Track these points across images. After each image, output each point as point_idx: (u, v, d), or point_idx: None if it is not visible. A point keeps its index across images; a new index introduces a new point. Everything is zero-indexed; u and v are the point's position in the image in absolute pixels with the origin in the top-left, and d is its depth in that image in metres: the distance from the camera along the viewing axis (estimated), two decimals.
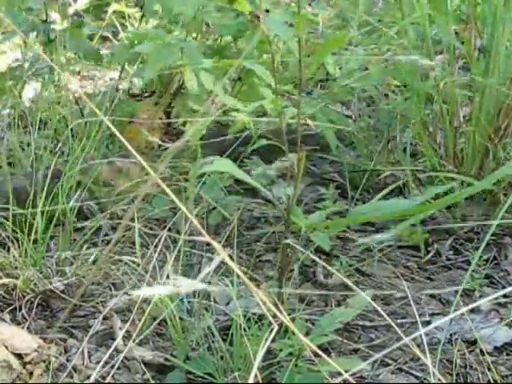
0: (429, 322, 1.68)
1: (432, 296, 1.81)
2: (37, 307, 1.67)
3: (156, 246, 1.61)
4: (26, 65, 2.39)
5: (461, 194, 1.75)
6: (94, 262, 1.76)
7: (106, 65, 2.61)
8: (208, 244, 1.73)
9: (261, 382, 1.02)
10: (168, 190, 0.94)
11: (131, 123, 2.20)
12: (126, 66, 2.56)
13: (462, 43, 2.19)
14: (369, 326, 1.68)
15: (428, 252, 1.97)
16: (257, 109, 1.73)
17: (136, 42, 2.24)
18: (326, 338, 1.45)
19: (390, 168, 2.12)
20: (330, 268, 1.43)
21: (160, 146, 2.09)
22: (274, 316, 0.91)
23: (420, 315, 1.69)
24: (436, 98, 2.10)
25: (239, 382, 1.44)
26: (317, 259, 1.39)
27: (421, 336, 1.45)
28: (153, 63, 2.03)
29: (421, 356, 1.22)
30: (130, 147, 0.83)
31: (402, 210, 1.58)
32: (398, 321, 1.68)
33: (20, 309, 1.66)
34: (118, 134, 0.82)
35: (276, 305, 1.34)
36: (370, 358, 1.55)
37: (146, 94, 2.57)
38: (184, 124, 2.14)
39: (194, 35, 2.33)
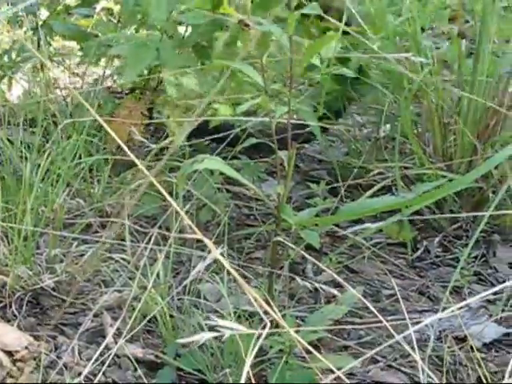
0: (418, 319, 1.69)
1: (421, 293, 1.82)
2: (27, 304, 1.67)
3: (147, 243, 1.61)
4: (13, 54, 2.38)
5: (447, 188, 1.76)
6: (84, 260, 1.76)
7: (93, 61, 2.61)
8: (198, 241, 1.73)
9: (252, 378, 1.02)
10: (160, 187, 0.94)
11: (112, 120, 2.18)
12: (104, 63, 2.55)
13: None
14: (358, 322, 1.68)
15: (417, 249, 1.98)
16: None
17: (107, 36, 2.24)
18: (317, 334, 1.45)
19: (378, 165, 2.13)
20: (320, 265, 1.43)
21: (142, 142, 2.09)
22: (265, 313, 0.92)
23: (409, 312, 1.70)
24: (424, 96, 2.11)
25: (230, 378, 1.44)
26: (307, 256, 1.39)
27: (410, 333, 1.45)
28: (132, 66, 2.03)
29: (411, 353, 1.23)
30: (123, 145, 0.83)
31: (390, 205, 1.59)
32: (388, 318, 1.68)
33: (10, 306, 1.66)
34: (112, 132, 0.82)
35: (267, 302, 1.35)
36: (359, 354, 1.56)
37: (127, 91, 2.56)
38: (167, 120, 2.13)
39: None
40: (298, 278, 1.48)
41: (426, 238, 2.01)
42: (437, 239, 2.01)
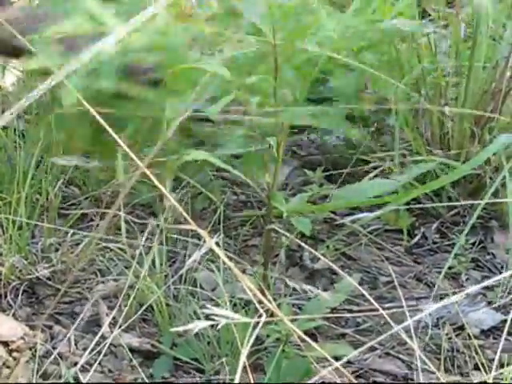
0: (416, 306, 1.69)
1: (419, 279, 1.82)
2: (22, 294, 1.66)
3: (142, 232, 1.61)
4: None
5: (448, 178, 1.75)
6: (79, 249, 1.75)
7: None
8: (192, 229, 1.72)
9: (248, 368, 1.02)
10: (152, 177, 0.93)
11: None
12: None
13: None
14: (356, 310, 1.68)
15: (414, 236, 1.97)
16: None
17: None
18: (313, 323, 1.45)
19: (373, 156, 2.11)
20: (315, 252, 1.43)
21: None
22: (260, 302, 0.91)
23: (407, 299, 1.69)
24: (421, 83, 2.10)
25: (226, 367, 1.44)
26: (302, 244, 1.38)
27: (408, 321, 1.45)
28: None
29: (408, 341, 1.23)
30: (117, 138, 0.82)
31: (387, 195, 1.58)
32: (385, 305, 1.68)
33: (5, 296, 1.65)
34: (105, 124, 0.81)
35: (261, 291, 1.34)
36: (357, 342, 1.56)
37: None
38: None
39: None
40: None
41: (423, 225, 2.00)
42: (434, 225, 2.00)
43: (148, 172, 0.87)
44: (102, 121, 0.86)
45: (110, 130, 0.87)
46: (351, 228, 1.87)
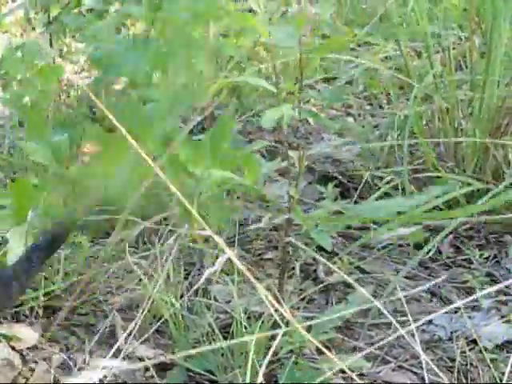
0: (430, 320, 1.69)
1: (433, 294, 1.82)
2: (39, 305, 1.67)
3: (159, 241, 1.62)
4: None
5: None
6: (95, 260, 1.77)
7: None
8: (207, 240, 1.73)
9: (262, 379, 1.03)
10: (170, 185, 0.94)
11: None
12: None
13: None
14: (369, 323, 1.68)
15: (429, 250, 1.97)
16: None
17: None
18: (327, 335, 1.45)
19: (386, 171, 2.12)
20: (330, 266, 1.44)
21: None
22: (275, 312, 0.92)
23: (421, 313, 1.69)
24: (435, 97, 2.11)
25: (240, 379, 1.44)
26: (317, 257, 1.39)
27: (416, 331, 1.45)
28: None
29: (421, 354, 1.23)
30: (134, 142, 0.84)
31: (408, 215, 1.59)
32: (399, 318, 1.68)
33: (22, 307, 1.67)
34: (122, 129, 0.83)
35: (277, 302, 1.35)
36: (370, 355, 1.56)
37: None
38: None
39: None
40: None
41: (437, 239, 2.00)
42: (448, 240, 2.00)
43: (168, 182, 0.88)
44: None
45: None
46: (365, 241, 1.88)
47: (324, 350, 0.97)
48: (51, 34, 2.28)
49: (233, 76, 1.87)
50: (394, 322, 1.16)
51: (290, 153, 1.51)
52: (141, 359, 1.53)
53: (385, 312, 1.16)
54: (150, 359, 1.54)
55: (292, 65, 2.16)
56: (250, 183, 1.47)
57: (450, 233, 2.02)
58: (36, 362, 1.51)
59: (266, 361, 0.89)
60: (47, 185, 1.46)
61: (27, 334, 1.56)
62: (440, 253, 1.98)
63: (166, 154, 1.28)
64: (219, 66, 1.98)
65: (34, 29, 2.45)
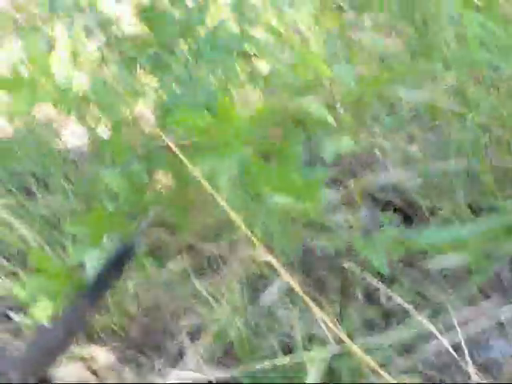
0: (489, 345, 1.71)
1: (491, 318, 1.84)
2: (112, 329, 1.74)
3: (224, 265, 1.67)
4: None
5: None
6: (163, 285, 1.83)
7: None
8: (271, 265, 1.79)
9: None
10: (233, 215, 1.00)
11: None
12: None
13: None
14: (427, 348, 1.71)
15: (487, 276, 1.99)
16: None
17: None
18: (385, 357, 1.50)
19: (448, 197, 2.14)
20: (389, 292, 1.48)
21: None
22: (335, 337, 0.98)
23: (480, 339, 1.72)
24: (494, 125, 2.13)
25: None
26: (375, 283, 1.44)
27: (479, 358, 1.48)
28: None
29: (477, 377, 1.26)
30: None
31: (467, 242, 1.62)
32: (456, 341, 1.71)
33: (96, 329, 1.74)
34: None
35: (337, 327, 1.40)
36: (427, 378, 1.59)
37: None
38: None
39: None
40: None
41: (496, 265, 2.02)
42: (507, 265, 2.02)
43: (228, 209, 0.94)
44: None
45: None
46: (424, 267, 1.91)
47: (382, 372, 1.02)
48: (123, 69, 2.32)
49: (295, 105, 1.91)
50: (449, 348, 1.20)
51: (352, 182, 1.55)
52: (208, 380, 1.58)
53: (439, 336, 1.20)
54: (217, 380, 1.60)
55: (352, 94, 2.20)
56: (312, 210, 1.53)
57: (510, 258, 2.04)
58: (110, 381, 1.57)
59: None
60: (122, 212, 1.55)
61: (102, 355, 1.64)
62: (499, 278, 2.00)
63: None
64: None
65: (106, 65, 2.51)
